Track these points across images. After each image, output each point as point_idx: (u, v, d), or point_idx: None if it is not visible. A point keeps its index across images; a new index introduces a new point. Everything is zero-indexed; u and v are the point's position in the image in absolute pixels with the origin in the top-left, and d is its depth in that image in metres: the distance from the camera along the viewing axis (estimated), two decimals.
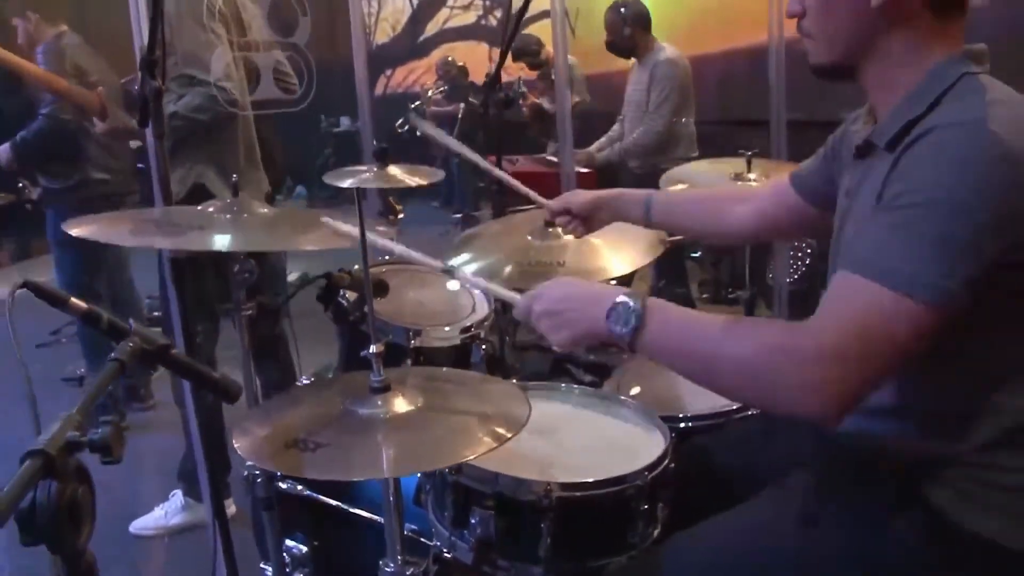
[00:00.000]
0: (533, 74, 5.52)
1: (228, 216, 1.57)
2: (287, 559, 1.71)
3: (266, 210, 1.64)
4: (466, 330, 1.76)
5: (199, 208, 1.64)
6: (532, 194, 1.78)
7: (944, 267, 0.95)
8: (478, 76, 7.51)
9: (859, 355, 0.95)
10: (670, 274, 3.52)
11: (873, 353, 0.96)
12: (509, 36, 2.11)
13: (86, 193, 3.30)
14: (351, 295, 1.68)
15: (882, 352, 0.96)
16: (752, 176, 2.24)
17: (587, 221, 1.66)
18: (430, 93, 7.72)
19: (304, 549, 1.72)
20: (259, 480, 1.60)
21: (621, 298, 1.09)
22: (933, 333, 0.96)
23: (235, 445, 1.12)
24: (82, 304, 1.00)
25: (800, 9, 1.19)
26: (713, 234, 1.65)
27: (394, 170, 2.55)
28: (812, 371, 0.96)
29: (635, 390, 1.76)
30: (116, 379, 0.93)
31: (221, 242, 1.47)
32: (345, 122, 8.87)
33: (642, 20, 3.74)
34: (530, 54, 5.24)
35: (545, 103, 5.21)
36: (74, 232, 1.42)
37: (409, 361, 1.68)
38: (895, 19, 1.10)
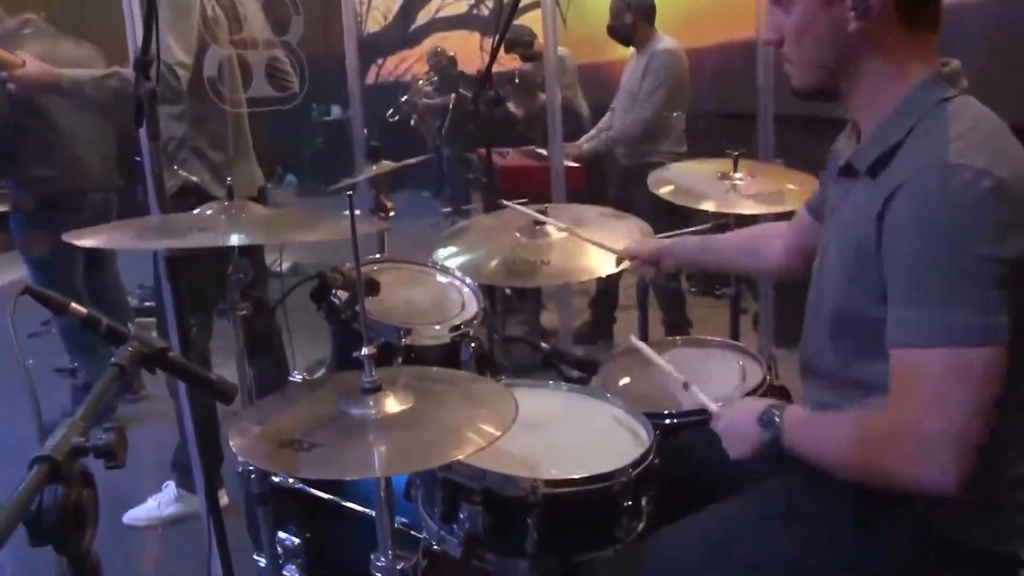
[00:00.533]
0: (528, 65, 5.43)
1: (225, 218, 1.60)
2: (280, 551, 1.74)
3: (262, 211, 1.66)
4: (455, 328, 1.79)
5: (195, 213, 1.66)
6: (603, 245, 1.83)
7: (986, 305, 0.99)
8: (470, 66, 7.49)
9: (952, 426, 0.99)
10: None
11: (961, 414, 0.99)
12: (501, 32, 2.10)
13: (33, 191, 3.16)
14: (343, 294, 1.70)
15: (968, 408, 0.99)
16: (738, 176, 2.27)
17: (655, 265, 1.74)
18: (420, 82, 7.70)
19: (297, 541, 1.75)
20: (253, 476, 1.63)
21: (767, 411, 1.19)
22: (1007, 366, 1.00)
23: (231, 445, 1.15)
24: (82, 309, 1.03)
25: (776, 38, 1.20)
26: (759, 272, 1.82)
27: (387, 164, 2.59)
28: (917, 465, 1.01)
29: (621, 385, 1.80)
30: (116, 383, 0.96)
31: (223, 239, 1.50)
32: (336, 111, 8.84)
33: (645, 10, 3.73)
34: (523, 45, 5.18)
35: (511, 107, 5.17)
36: (78, 243, 1.42)
37: (400, 359, 1.70)
38: (871, 41, 1.11)
